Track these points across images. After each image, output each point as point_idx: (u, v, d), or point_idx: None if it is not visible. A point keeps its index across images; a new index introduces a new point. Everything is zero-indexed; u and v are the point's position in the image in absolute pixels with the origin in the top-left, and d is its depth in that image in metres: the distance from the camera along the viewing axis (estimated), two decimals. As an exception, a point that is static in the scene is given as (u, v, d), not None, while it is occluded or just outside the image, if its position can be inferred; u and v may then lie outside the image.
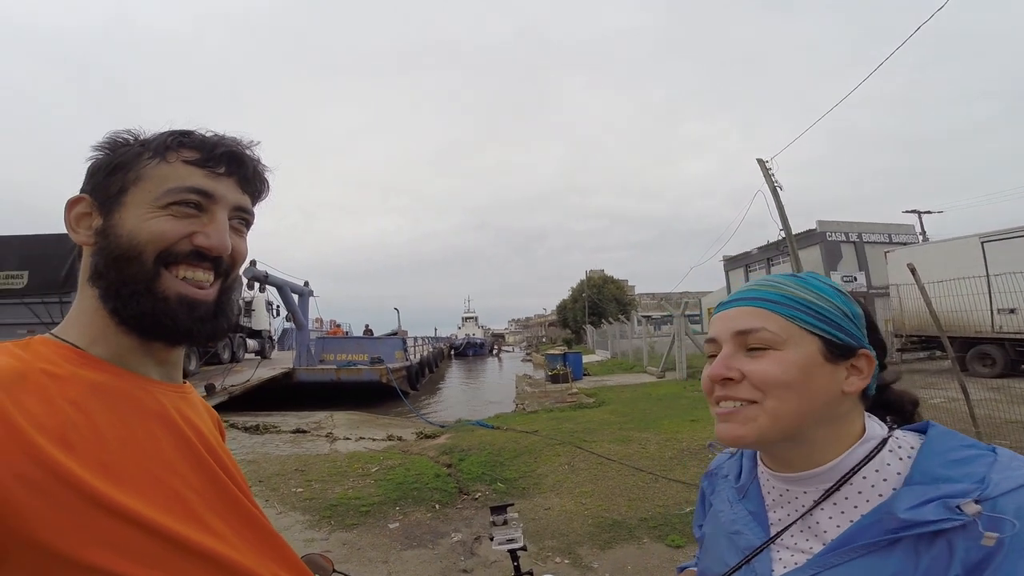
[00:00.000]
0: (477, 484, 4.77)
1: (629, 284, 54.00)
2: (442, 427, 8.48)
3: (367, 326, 29.06)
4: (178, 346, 0.64)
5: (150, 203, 0.59)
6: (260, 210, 0.71)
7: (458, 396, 18.10)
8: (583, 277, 46.16)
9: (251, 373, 11.38)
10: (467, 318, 61.31)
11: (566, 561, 3.23)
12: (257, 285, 13.60)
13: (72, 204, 0.62)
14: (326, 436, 7.08)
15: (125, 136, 0.63)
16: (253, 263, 12.06)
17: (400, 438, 7.07)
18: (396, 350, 16.35)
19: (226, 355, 14.04)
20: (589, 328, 36.32)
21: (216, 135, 0.65)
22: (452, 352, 44.41)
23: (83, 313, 0.59)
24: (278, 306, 17.34)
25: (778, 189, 12.72)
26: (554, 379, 14.45)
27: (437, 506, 4.20)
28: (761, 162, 12.93)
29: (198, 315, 0.60)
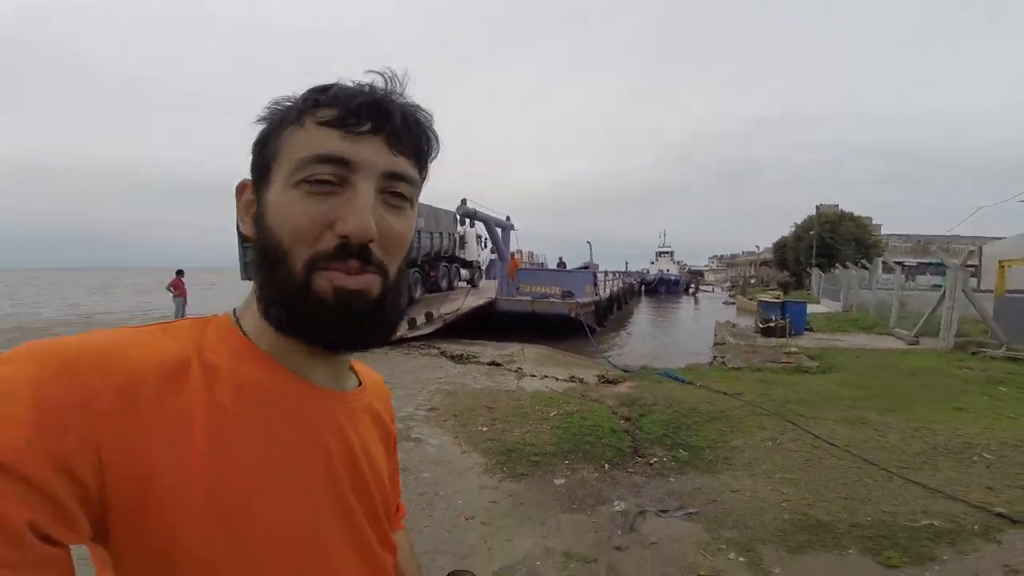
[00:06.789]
0: (655, 447, 4.59)
1: (874, 223, 42.57)
2: (625, 372, 8.41)
3: (560, 258, 30.16)
4: (337, 354, 0.56)
5: (283, 181, 0.48)
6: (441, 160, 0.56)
7: (646, 338, 17.61)
8: (811, 213, 37.66)
9: (462, 302, 13.01)
10: (661, 253, 57.54)
11: (741, 559, 2.89)
12: (468, 220, 15.13)
13: (240, 191, 0.54)
14: (515, 371, 7.71)
15: (282, 101, 0.52)
16: (464, 201, 13.43)
17: (582, 380, 7.27)
18: (587, 284, 16.63)
19: (443, 284, 16.34)
20: (815, 272, 30.14)
21: (360, 84, 0.51)
22: (642, 288, 42.82)
23: (253, 301, 0.53)
24: (485, 239, 19.05)
25: None
26: (767, 332, 12.55)
27: (607, 465, 4.21)
28: None
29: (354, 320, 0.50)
